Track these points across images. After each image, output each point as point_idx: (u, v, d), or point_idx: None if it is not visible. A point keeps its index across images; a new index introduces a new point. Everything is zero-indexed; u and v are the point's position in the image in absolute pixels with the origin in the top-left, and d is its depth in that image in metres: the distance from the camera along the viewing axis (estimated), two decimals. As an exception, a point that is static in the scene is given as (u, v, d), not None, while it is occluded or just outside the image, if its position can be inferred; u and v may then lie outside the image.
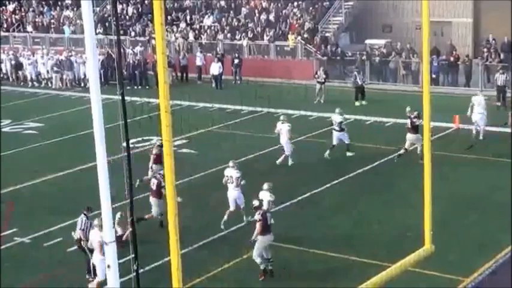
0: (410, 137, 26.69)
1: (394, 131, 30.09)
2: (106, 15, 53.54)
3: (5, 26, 57.51)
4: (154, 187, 21.42)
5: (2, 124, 35.60)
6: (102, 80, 41.34)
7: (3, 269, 19.00)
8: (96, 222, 17.34)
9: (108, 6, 52.63)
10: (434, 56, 40.32)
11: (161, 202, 20.78)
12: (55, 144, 32.03)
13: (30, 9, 59.27)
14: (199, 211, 22.33)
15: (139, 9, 54.77)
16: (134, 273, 12.15)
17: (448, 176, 24.39)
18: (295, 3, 49.90)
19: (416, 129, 26.35)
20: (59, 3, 59.20)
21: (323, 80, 38.54)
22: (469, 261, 18.10)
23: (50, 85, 46.26)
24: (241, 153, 27.92)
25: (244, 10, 51.25)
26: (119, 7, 54.12)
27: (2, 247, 20.40)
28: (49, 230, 21.63)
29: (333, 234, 20.72)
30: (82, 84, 45.26)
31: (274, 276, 18.14)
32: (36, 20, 57.49)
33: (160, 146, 23.51)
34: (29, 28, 56.89)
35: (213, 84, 43.52)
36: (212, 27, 50.33)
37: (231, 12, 51.49)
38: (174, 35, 49.99)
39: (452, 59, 41.37)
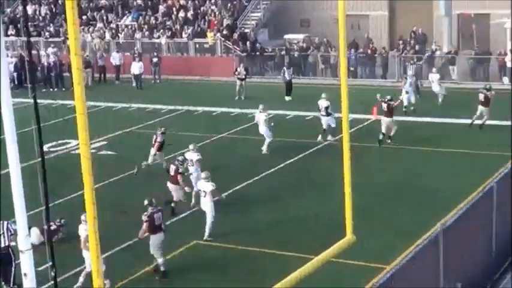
0: (386, 120, 27.79)
1: (314, 125, 30.30)
2: (18, 16, 52.49)
3: None
4: (172, 173, 21.87)
5: None
6: (16, 83, 40.70)
7: None
8: (83, 217, 17.00)
9: (20, 7, 51.76)
10: (352, 49, 40.85)
11: (179, 188, 21.63)
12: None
13: None
14: (120, 213, 22.03)
15: (53, 10, 53.95)
16: (52, 280, 11.94)
17: (367, 166, 24.77)
18: (213, 1, 49.88)
19: (391, 112, 27.57)
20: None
21: (243, 77, 38.62)
22: (390, 249, 18.35)
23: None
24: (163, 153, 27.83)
25: (161, 8, 51.00)
26: (32, 8, 53.32)
27: None
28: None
29: (258, 229, 20.78)
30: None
31: (168, 277, 18.11)
32: None
33: (164, 133, 25.37)
34: None
35: (134, 84, 43.16)
36: (130, 26, 49.97)
37: (149, 10, 51.17)
38: (91, 35, 49.44)
39: (369, 51, 41.95)
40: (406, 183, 23.91)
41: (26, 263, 11.08)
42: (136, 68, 43.08)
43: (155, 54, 45.06)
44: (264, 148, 27.68)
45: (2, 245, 16.97)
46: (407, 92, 32.62)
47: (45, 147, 11.62)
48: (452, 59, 37.25)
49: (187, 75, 43.93)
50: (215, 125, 28.19)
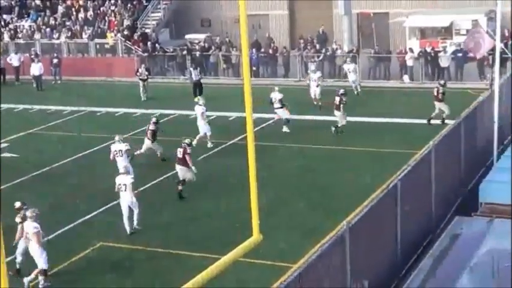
0: (337, 113, 28.78)
1: (220, 124, 30.36)
2: None
3: None
4: (180, 155, 22.86)
5: None
6: None
7: None
8: (28, 213, 17.47)
9: None
10: (254, 48, 41.06)
11: (186, 169, 22.75)
12: None
13: None
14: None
15: None
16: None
17: (271, 165, 24.94)
18: (112, 1, 49.41)
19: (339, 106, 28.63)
20: None
21: (145, 77, 38.33)
22: (297, 247, 18.54)
23: None
24: (65, 155, 27.50)
25: (60, 9, 50.24)
26: None
27: None
28: None
29: (164, 231, 20.71)
30: None
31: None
32: None
33: (156, 122, 26.67)
34: None
35: (34, 85, 42.32)
36: (30, 27, 49.11)
37: (47, 11, 50.35)
38: (-11, 37, 48.40)
39: (270, 51, 42.23)
40: (309, 182, 24.10)
41: None
42: (35, 69, 42.25)
43: (55, 55, 44.36)
44: (209, 144, 28.03)
45: None
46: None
47: None
48: (353, 58, 37.83)
49: (88, 76, 43.39)
50: (119, 125, 27.92)
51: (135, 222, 20.52)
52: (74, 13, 49.36)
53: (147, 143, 26.55)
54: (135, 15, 48.08)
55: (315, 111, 32.23)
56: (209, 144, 27.94)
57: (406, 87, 36.59)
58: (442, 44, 40.38)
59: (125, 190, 20.34)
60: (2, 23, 50.41)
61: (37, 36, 48.01)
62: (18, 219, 17.93)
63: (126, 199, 20.36)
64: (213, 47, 43.71)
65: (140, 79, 38.26)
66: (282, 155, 27.15)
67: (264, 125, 30.29)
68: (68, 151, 28.23)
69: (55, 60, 43.78)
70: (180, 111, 33.51)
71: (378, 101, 31.63)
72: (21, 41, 48.12)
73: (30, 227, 17.42)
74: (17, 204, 18.54)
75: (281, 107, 29.67)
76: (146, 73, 38.54)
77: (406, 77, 38.23)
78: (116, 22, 47.35)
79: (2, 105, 36.29)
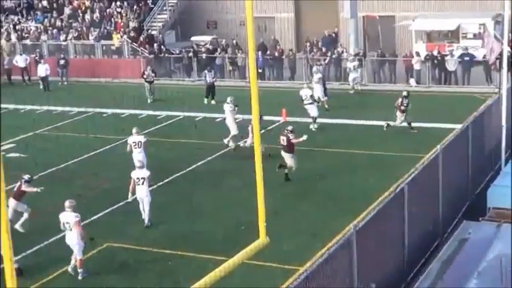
0: (398, 114, 29.06)
1: (223, 127, 30.30)
2: None
3: None
4: (285, 143, 23.97)
5: None
6: None
7: None
8: (66, 204, 17.81)
9: None
10: (259, 51, 41.03)
11: (291, 156, 23.88)
12: None
13: None
14: (32, 216, 21.62)
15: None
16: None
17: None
18: (118, 3, 49.46)
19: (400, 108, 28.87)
20: None
21: (152, 79, 38.31)
22: (303, 250, 18.52)
23: None
24: (72, 156, 27.51)
25: (67, 10, 50.32)
26: None
27: None
28: None
29: (169, 232, 20.71)
30: None
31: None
32: None
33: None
34: None
35: (41, 86, 42.37)
36: (36, 28, 49.16)
37: (54, 12, 50.42)
38: (-5, 37, 48.50)
39: (276, 53, 42.21)
40: (316, 184, 24.10)
41: None
42: (42, 70, 42.34)
43: (62, 56, 44.42)
44: (226, 140, 27.79)
45: None
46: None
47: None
48: (360, 61, 37.80)
49: (95, 77, 43.44)
50: (124, 127, 27.93)
51: (146, 219, 20.77)
52: (81, 14, 49.43)
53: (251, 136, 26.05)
54: (141, 16, 48.12)
55: (322, 113, 32.17)
56: (230, 144, 27.79)
57: (413, 90, 36.51)
58: (448, 47, 40.25)
59: (142, 184, 20.72)
60: (11, 25, 50.45)
61: (44, 37, 48.07)
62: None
63: (142, 193, 20.72)
64: (218, 49, 43.69)
65: (147, 81, 38.25)
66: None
67: (271, 127, 30.26)
68: (75, 152, 28.22)
69: (62, 61, 43.86)
70: (186, 113, 33.50)
71: (384, 104, 31.48)
72: (28, 42, 48.18)
73: (71, 216, 17.70)
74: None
75: (311, 103, 29.65)
76: (153, 75, 38.51)
77: (412, 81, 38.15)
78: (122, 24, 47.40)
79: (9, 106, 36.34)
